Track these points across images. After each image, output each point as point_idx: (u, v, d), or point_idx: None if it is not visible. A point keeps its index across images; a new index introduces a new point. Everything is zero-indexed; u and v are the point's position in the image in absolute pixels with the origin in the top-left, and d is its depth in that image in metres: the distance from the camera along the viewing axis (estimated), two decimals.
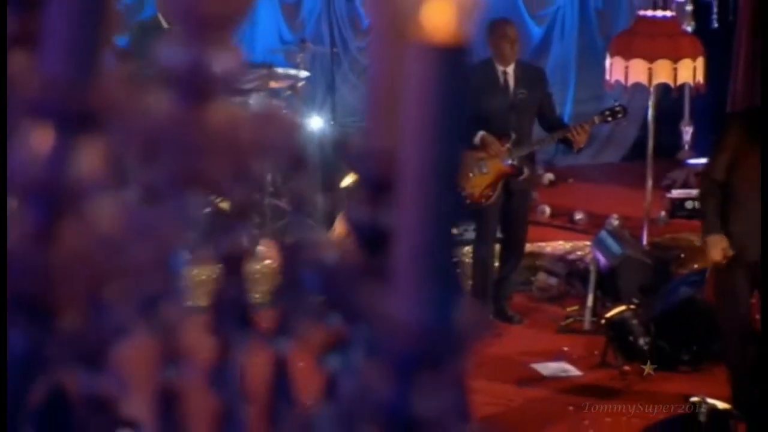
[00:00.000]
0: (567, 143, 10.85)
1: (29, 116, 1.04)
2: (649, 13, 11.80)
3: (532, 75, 10.83)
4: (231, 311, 1.18)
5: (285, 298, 1.20)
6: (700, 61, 11.30)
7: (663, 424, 8.15)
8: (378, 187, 1.16)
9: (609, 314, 10.20)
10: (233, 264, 1.17)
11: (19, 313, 1.05)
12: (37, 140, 1.04)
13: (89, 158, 1.05)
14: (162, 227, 1.07)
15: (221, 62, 1.09)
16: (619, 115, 11.00)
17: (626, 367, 9.89)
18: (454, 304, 1.12)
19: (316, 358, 1.22)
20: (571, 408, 9.38)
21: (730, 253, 8.65)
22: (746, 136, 8.75)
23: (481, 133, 10.37)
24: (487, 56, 10.78)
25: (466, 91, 1.13)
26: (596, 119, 11.17)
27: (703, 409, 7.90)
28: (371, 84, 1.18)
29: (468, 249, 11.06)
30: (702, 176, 9.42)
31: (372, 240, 1.17)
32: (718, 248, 8.71)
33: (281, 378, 1.22)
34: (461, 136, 1.13)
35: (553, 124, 10.74)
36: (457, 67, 1.11)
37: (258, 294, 1.25)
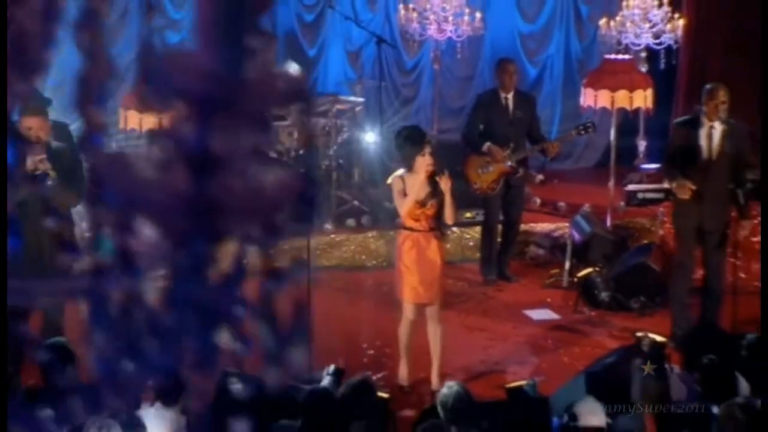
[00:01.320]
0: (544, 153, 10.72)
1: None
2: (613, 56, 11.67)
3: (526, 101, 10.72)
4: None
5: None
6: (649, 92, 11.23)
7: (616, 352, 8.02)
8: None
9: (580, 274, 10.19)
10: None
11: None
12: None
13: None
14: None
15: None
16: (590, 130, 10.83)
17: (592, 313, 9.89)
18: (248, 56, 1.02)
19: None
20: (550, 341, 9.35)
21: (693, 187, 8.57)
22: (686, 136, 8.71)
23: (487, 144, 10.31)
24: (494, 86, 10.68)
25: None
26: (573, 133, 11.06)
27: (646, 341, 7.83)
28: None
29: (478, 228, 10.99)
30: (663, 162, 9.41)
31: None
32: (685, 188, 8.64)
33: None
34: None
35: (537, 138, 10.58)
36: None
37: None
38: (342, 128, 11.77)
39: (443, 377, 8.00)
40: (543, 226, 11.54)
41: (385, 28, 13.30)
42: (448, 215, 8.06)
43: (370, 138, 11.61)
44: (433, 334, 8.18)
